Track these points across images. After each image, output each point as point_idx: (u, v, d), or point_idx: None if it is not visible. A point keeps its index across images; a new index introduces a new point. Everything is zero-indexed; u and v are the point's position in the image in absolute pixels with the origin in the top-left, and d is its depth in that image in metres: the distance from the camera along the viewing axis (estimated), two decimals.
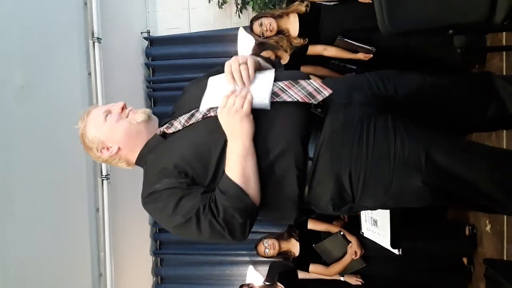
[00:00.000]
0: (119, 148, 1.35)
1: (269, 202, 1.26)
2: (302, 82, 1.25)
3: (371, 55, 2.63)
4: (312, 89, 1.24)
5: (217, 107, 1.22)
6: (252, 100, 1.19)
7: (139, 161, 1.37)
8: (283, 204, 1.28)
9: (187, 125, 1.28)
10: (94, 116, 1.36)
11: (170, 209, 1.19)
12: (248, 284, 3.15)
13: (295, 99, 1.21)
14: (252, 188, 1.18)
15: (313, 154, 1.23)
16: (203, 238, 1.20)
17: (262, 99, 1.21)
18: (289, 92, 1.22)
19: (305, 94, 1.22)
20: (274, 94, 1.22)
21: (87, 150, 1.40)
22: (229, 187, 1.16)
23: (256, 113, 1.20)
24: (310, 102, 1.22)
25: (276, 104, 1.21)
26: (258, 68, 1.33)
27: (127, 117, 1.34)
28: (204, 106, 1.26)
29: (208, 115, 1.24)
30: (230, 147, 1.18)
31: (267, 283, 3.13)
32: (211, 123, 1.21)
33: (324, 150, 1.22)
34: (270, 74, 1.28)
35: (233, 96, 1.19)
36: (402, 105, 1.33)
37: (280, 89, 1.23)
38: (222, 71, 1.40)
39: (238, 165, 1.16)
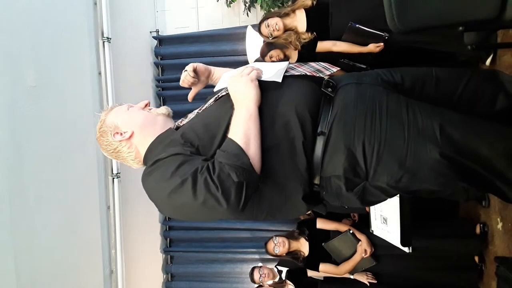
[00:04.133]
0: (132, 134, 1.34)
1: (276, 177, 1.21)
2: (311, 63, 1.38)
3: (382, 45, 2.60)
4: (320, 67, 1.36)
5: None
6: (262, 73, 1.29)
7: (148, 154, 1.33)
8: (290, 180, 1.23)
9: (199, 112, 1.37)
10: (117, 107, 1.44)
11: (168, 173, 1.13)
12: (260, 267, 3.17)
13: (303, 73, 1.32)
14: (252, 150, 1.14)
15: (325, 128, 1.22)
16: (197, 203, 1.09)
17: (274, 74, 1.28)
18: (298, 69, 1.34)
19: (314, 70, 1.35)
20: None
21: (100, 139, 1.39)
22: (229, 145, 1.14)
23: (266, 86, 1.27)
24: (318, 75, 1.31)
25: (286, 79, 1.28)
26: None
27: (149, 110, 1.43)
28: (218, 87, 1.37)
29: (220, 95, 1.33)
30: (235, 113, 1.21)
31: (278, 267, 3.16)
32: (222, 100, 1.30)
33: (337, 122, 1.22)
34: (283, 63, 1.36)
35: (244, 67, 1.31)
36: (412, 93, 1.34)
37: (290, 67, 1.34)
38: None
39: (240, 127, 1.17)
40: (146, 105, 1.44)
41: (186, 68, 1.52)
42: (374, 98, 1.24)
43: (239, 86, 1.24)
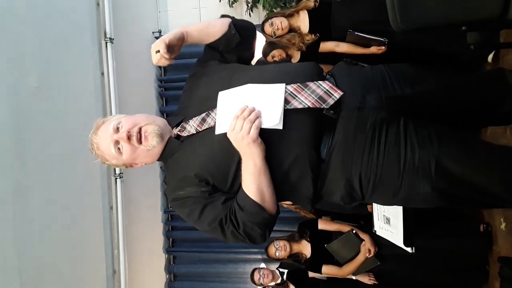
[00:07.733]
0: (145, 163, 1.42)
1: (286, 198, 1.33)
2: (311, 85, 1.24)
3: (384, 47, 2.60)
4: (322, 92, 1.23)
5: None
6: (262, 124, 1.19)
7: (161, 159, 1.42)
8: (299, 200, 1.34)
9: (200, 130, 1.30)
10: (105, 150, 1.35)
11: (196, 216, 1.28)
12: (261, 268, 3.17)
13: (306, 105, 1.20)
14: (267, 201, 1.24)
15: (325, 155, 1.25)
16: (229, 242, 1.29)
17: (273, 121, 1.19)
18: (299, 98, 1.21)
19: (316, 98, 1.21)
20: (284, 101, 1.20)
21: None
22: (246, 203, 1.22)
23: (268, 131, 1.20)
24: (322, 107, 1.22)
25: (287, 116, 1.20)
26: None
27: (140, 143, 1.31)
28: (218, 129, 1.25)
29: (222, 132, 1.26)
30: (244, 165, 1.22)
31: (280, 269, 3.15)
32: (226, 136, 1.22)
33: (336, 153, 1.24)
34: (280, 89, 1.22)
35: (241, 119, 1.17)
36: (417, 103, 1.33)
37: (289, 94, 1.21)
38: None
39: (252, 183, 1.21)
40: (129, 138, 1.29)
41: (158, 48, 1.32)
42: (375, 128, 1.24)
43: (242, 146, 1.18)
